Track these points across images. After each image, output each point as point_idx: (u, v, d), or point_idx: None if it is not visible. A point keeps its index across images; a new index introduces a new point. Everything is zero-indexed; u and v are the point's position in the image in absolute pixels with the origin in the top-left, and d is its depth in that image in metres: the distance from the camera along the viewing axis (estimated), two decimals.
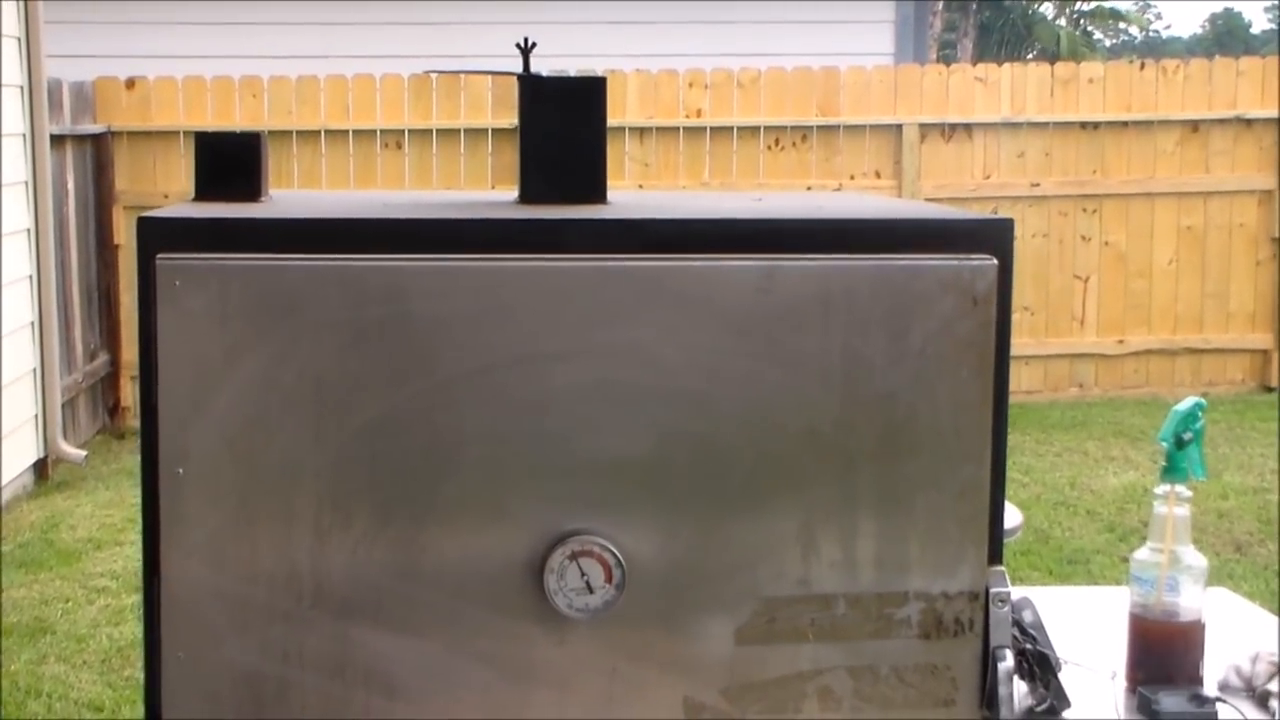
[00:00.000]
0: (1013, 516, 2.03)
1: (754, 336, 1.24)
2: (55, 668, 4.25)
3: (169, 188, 7.46)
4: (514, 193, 1.46)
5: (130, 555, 5.37)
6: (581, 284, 1.22)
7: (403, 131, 7.58)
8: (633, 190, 7.64)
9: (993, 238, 1.26)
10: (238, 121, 7.42)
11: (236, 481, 1.22)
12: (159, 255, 1.19)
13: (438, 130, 7.59)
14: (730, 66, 7.77)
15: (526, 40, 1.47)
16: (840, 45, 8.48)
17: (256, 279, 1.20)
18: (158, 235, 1.22)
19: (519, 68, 1.43)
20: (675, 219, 1.29)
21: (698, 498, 1.25)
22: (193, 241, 1.22)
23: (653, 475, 1.24)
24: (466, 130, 7.59)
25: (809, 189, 7.52)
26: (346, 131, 7.57)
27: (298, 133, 7.48)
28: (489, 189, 7.44)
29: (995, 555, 1.27)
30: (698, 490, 1.24)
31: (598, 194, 1.41)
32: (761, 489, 1.25)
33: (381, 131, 7.58)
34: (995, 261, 1.25)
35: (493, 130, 7.59)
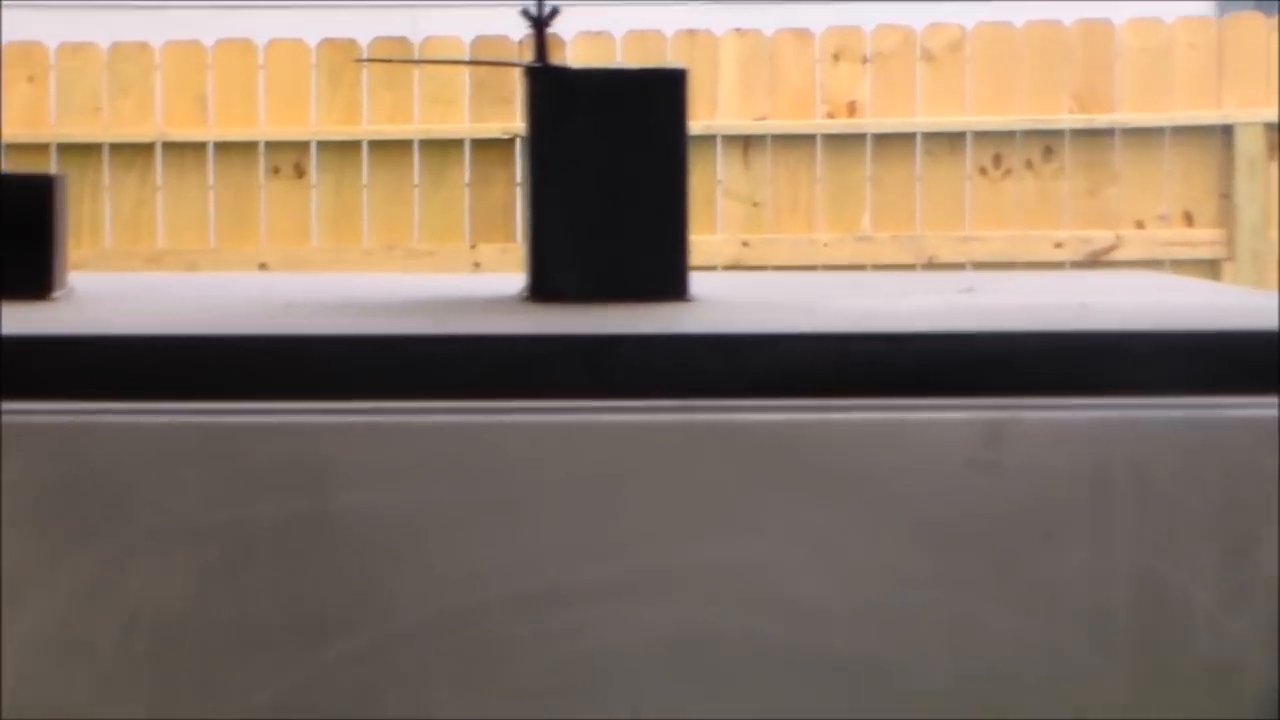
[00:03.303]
0: None
1: (966, 549, 1.19)
2: None
3: None
4: (517, 279, 1.44)
5: None
6: (641, 457, 1.19)
7: (307, 145, 7.13)
8: (732, 256, 7.05)
9: None
10: (2, 127, 7.14)
11: None
12: None
13: (372, 144, 7.14)
14: (908, 22, 7.32)
15: (541, 3, 1.43)
16: None
17: (49, 449, 1.18)
18: None
19: (526, 47, 1.46)
20: (816, 336, 1.24)
21: None
22: None
23: None
24: (424, 143, 7.18)
25: (1058, 247, 7.01)
26: (204, 145, 7.15)
27: (113, 146, 7.09)
28: (466, 252, 7.08)
29: None
30: None
31: (671, 283, 1.38)
32: None
33: (269, 145, 7.14)
34: None
35: (472, 143, 7.17)
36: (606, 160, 1.36)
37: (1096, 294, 1.45)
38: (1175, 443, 1.19)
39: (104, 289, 1.48)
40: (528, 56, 1.42)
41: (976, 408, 1.19)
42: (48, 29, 7.02)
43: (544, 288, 1.37)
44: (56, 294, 1.36)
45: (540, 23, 1.41)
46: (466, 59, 1.56)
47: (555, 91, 1.37)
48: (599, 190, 1.36)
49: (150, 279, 1.86)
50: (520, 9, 1.43)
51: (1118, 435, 1.19)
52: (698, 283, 1.40)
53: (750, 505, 1.18)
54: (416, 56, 7.17)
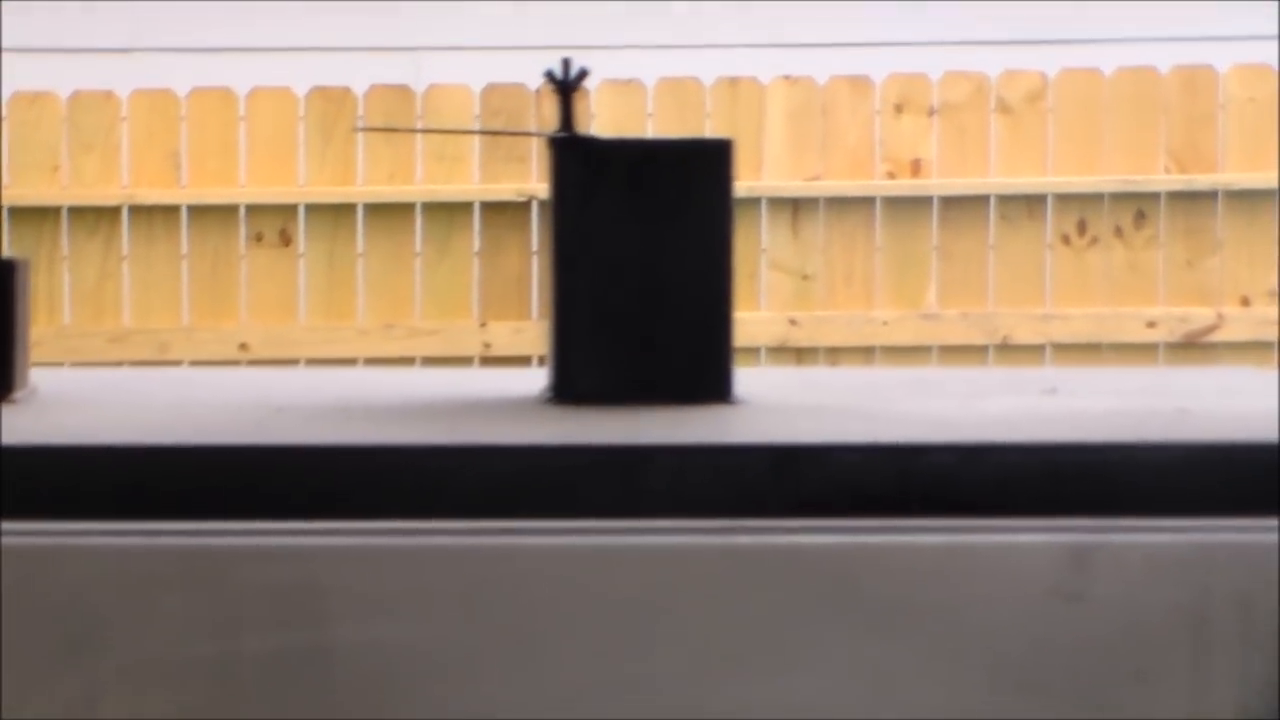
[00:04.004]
0: None
1: (1048, 691, 1.17)
2: None
3: None
4: (536, 376, 1.45)
5: None
6: (679, 584, 1.18)
7: (295, 209, 7.12)
8: (778, 336, 6.85)
9: None
10: None
11: None
12: None
13: (368, 207, 7.12)
14: (981, 68, 7.26)
15: (567, 65, 1.43)
16: (1219, 24, 7.85)
17: (10, 575, 1.16)
18: None
19: (546, 97, 1.45)
20: (877, 447, 1.23)
21: None
22: None
23: None
24: (427, 206, 7.15)
25: (1151, 327, 6.86)
26: (176, 208, 7.10)
27: (73, 210, 7.02)
28: (475, 330, 7.04)
29: None
30: None
31: (713, 383, 1.37)
32: None
33: (250, 209, 7.11)
34: None
35: (481, 207, 7.15)
36: (641, 243, 1.36)
37: (1196, 397, 1.45)
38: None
39: (71, 388, 1.48)
40: (548, 108, 1.43)
41: (1060, 530, 1.18)
42: None
43: (569, 389, 1.37)
44: (17, 395, 1.35)
45: (566, 87, 1.40)
46: (479, 128, 1.56)
47: (583, 165, 1.37)
48: (632, 277, 1.36)
49: (122, 375, 1.91)
50: (544, 71, 1.43)
51: (1219, 562, 1.18)
52: (743, 380, 1.40)
53: (803, 639, 1.18)
54: (419, 105, 7.08)
